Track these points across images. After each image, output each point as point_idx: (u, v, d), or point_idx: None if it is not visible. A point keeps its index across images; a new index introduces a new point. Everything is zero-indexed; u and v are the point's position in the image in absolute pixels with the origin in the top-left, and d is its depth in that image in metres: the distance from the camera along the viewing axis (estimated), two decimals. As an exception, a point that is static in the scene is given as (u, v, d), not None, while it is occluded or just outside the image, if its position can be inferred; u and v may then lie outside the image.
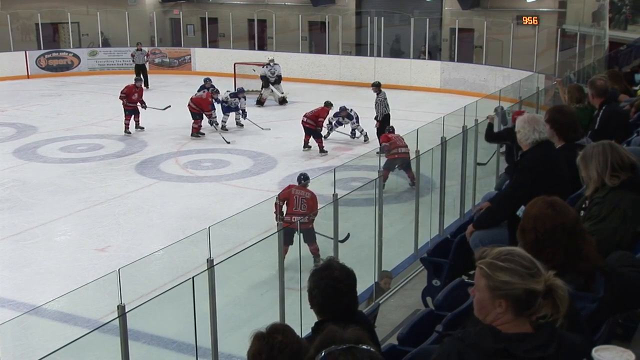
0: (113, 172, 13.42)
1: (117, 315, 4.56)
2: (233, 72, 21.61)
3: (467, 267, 4.48)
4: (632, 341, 3.00)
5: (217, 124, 16.08)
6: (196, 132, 15.95)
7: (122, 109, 16.26)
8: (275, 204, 8.84)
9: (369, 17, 23.68)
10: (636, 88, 8.38)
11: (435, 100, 20.09)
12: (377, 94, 15.27)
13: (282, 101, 19.86)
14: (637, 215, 3.26)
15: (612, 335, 2.84)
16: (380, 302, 5.62)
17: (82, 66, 25.07)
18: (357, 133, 15.55)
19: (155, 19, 27.09)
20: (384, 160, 11.32)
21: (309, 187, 9.31)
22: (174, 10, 27.97)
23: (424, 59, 23.08)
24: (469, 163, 8.94)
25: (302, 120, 14.69)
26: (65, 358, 4.39)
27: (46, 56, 24.68)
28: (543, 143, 4.22)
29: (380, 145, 12.81)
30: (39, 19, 24.82)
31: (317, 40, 25.26)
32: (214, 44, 26.28)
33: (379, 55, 23.08)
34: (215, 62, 24.40)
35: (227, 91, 17.22)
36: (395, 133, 12.77)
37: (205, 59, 25.12)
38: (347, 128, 15.61)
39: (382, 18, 22.89)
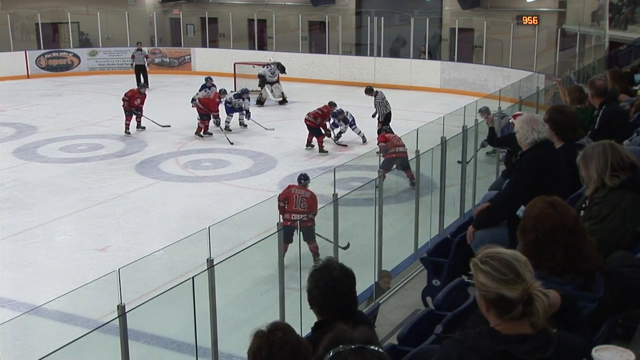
0: (113, 172, 13.42)
1: (117, 315, 4.56)
2: (233, 72, 21.62)
3: (467, 267, 4.46)
4: (632, 341, 3.00)
5: (221, 124, 16.08)
6: (203, 132, 15.95)
7: (123, 110, 16.26)
8: (280, 206, 8.88)
9: (368, 17, 23.68)
10: (636, 88, 8.37)
11: (435, 100, 20.10)
12: (375, 97, 15.27)
13: (282, 101, 19.87)
14: (637, 215, 3.26)
15: (612, 335, 2.85)
16: (380, 302, 5.62)
17: (82, 66, 25.07)
18: (342, 137, 15.28)
19: (155, 19, 27.08)
20: (382, 160, 11.34)
21: (308, 187, 9.32)
22: (174, 10, 27.96)
23: (424, 58, 23.09)
24: (469, 163, 8.95)
25: (305, 118, 14.71)
26: (65, 358, 4.39)
27: (46, 56, 24.68)
28: (542, 143, 4.22)
29: (378, 145, 12.80)
30: (39, 19, 24.82)
31: (317, 40, 25.26)
32: (213, 43, 26.29)
33: (378, 55, 23.08)
34: (215, 62, 24.40)
35: (231, 92, 17.24)
36: (393, 133, 12.78)
37: (205, 58, 25.12)
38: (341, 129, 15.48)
39: (382, 18, 22.89)
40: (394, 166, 11.64)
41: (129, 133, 16.10)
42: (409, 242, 8.09)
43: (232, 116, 16.57)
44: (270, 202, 9.00)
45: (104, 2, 25.67)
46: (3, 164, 13.89)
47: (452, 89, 21.28)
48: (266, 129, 16.54)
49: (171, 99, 16.57)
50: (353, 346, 1.88)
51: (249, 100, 17.14)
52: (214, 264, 5.28)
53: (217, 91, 16.68)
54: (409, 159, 10.91)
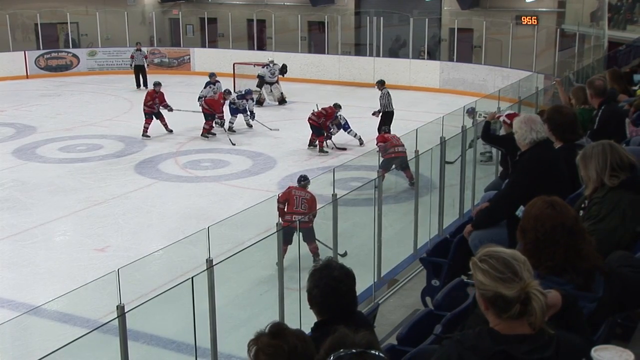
0: (112, 172, 13.41)
1: (116, 316, 4.56)
2: (232, 72, 21.61)
3: (467, 267, 4.46)
4: (631, 341, 3.01)
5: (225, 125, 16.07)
6: (207, 133, 15.93)
7: (143, 113, 16.09)
8: (279, 208, 8.87)
9: (368, 17, 23.67)
10: (635, 88, 8.37)
11: (434, 100, 20.10)
12: (381, 90, 15.29)
13: (282, 101, 19.87)
14: (636, 215, 3.26)
15: (611, 335, 2.85)
16: (380, 302, 5.63)
17: (82, 66, 25.06)
18: (331, 143, 15.02)
19: (155, 19, 27.06)
20: (381, 160, 11.34)
21: (308, 189, 9.33)
22: (173, 10, 27.94)
23: (423, 58, 23.09)
24: (469, 163, 8.94)
25: (309, 117, 14.72)
26: (65, 358, 4.39)
27: (45, 56, 24.67)
28: (541, 143, 4.23)
29: (377, 145, 12.80)
30: (39, 19, 24.81)
31: (316, 40, 25.26)
32: (213, 44, 26.28)
33: (378, 55, 23.08)
34: (214, 62, 24.36)
35: (237, 92, 17.25)
36: (392, 133, 12.77)
37: (205, 59, 25.10)
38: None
39: (382, 18, 22.89)
40: (393, 166, 11.64)
41: (148, 136, 15.83)
42: (408, 242, 8.08)
43: (235, 117, 16.54)
44: (270, 202, 9.00)
45: (103, 2, 25.66)
46: (2, 164, 13.88)
47: (452, 89, 21.28)
48: (271, 129, 16.52)
49: (170, 99, 16.53)
50: (354, 350, 1.88)
51: (253, 101, 17.16)
52: (214, 264, 5.28)
53: (222, 91, 16.70)
54: (408, 159, 10.91)
